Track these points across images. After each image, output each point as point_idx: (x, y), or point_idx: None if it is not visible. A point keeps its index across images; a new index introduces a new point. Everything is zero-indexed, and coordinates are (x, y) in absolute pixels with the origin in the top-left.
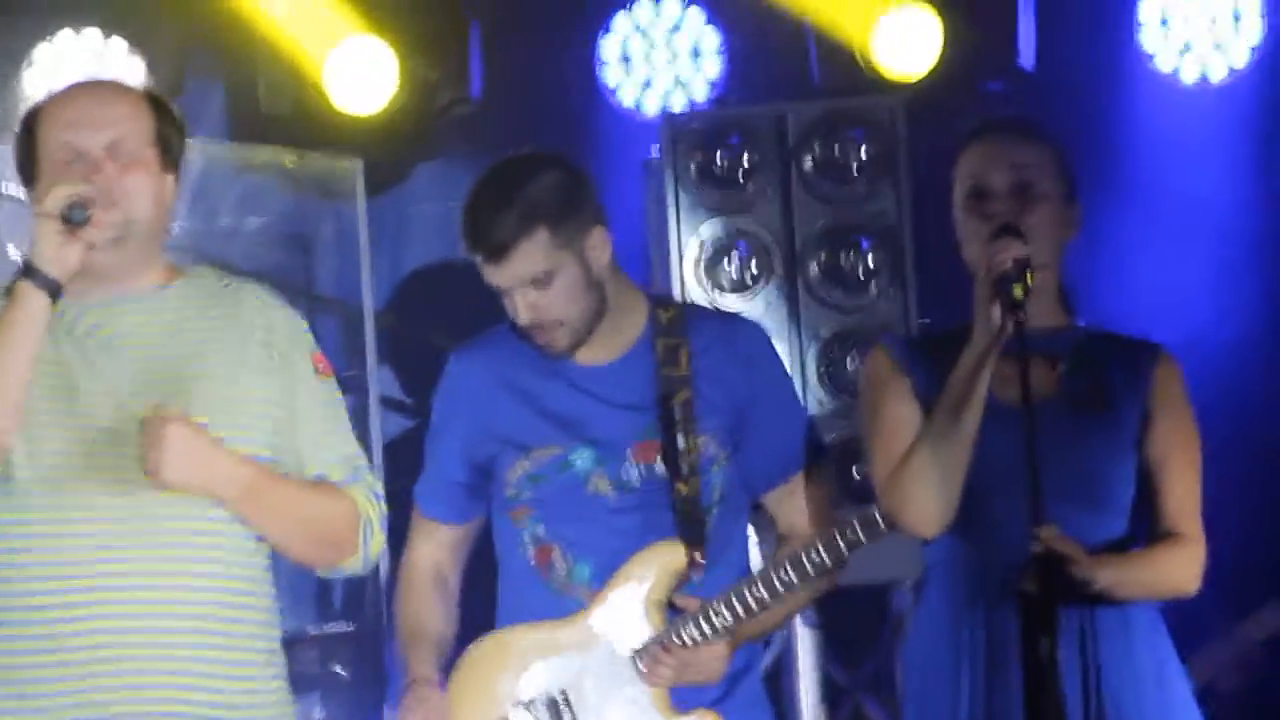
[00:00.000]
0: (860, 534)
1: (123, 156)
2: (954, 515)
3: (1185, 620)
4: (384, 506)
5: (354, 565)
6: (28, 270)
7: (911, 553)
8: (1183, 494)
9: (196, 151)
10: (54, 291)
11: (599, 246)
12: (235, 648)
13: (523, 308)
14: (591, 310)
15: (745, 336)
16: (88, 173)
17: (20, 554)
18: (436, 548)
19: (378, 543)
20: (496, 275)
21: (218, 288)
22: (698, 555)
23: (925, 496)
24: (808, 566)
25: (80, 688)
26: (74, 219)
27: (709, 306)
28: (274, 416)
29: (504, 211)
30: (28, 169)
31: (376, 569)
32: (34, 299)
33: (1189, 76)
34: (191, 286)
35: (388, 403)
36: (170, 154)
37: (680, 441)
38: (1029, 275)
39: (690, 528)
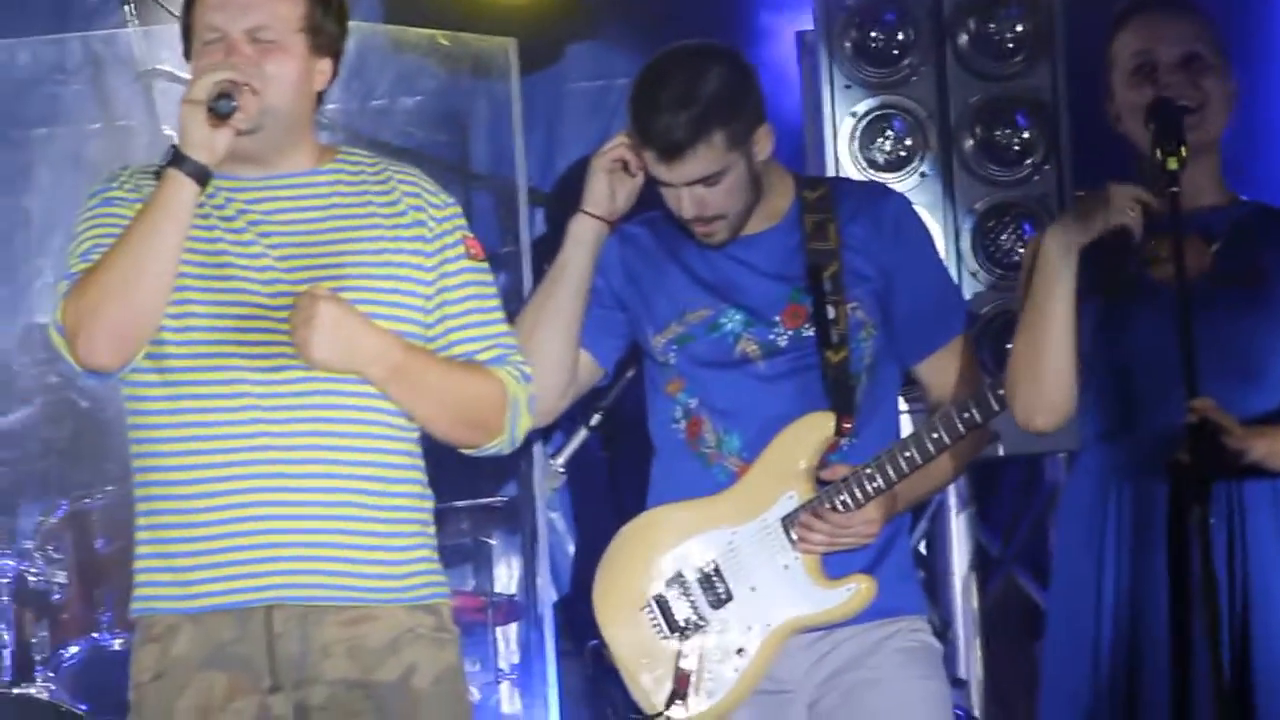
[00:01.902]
0: None
1: (265, 41)
2: (1067, 408)
3: None
4: (532, 387)
5: (499, 445)
6: (176, 157)
7: (1067, 424)
8: None
9: (352, 32)
10: (202, 178)
11: (763, 141)
12: (386, 520)
13: (689, 203)
14: (752, 203)
15: (890, 205)
16: (227, 54)
17: (171, 429)
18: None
19: (524, 424)
20: (667, 173)
21: (370, 170)
22: (846, 423)
23: (1028, 392)
24: (960, 425)
25: (233, 565)
26: (220, 110)
27: (854, 180)
28: (425, 296)
29: (681, 113)
30: (186, 47)
31: (531, 443)
32: (182, 186)
33: None
34: (344, 168)
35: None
36: (322, 40)
37: (829, 310)
38: (1183, 147)
39: (840, 395)
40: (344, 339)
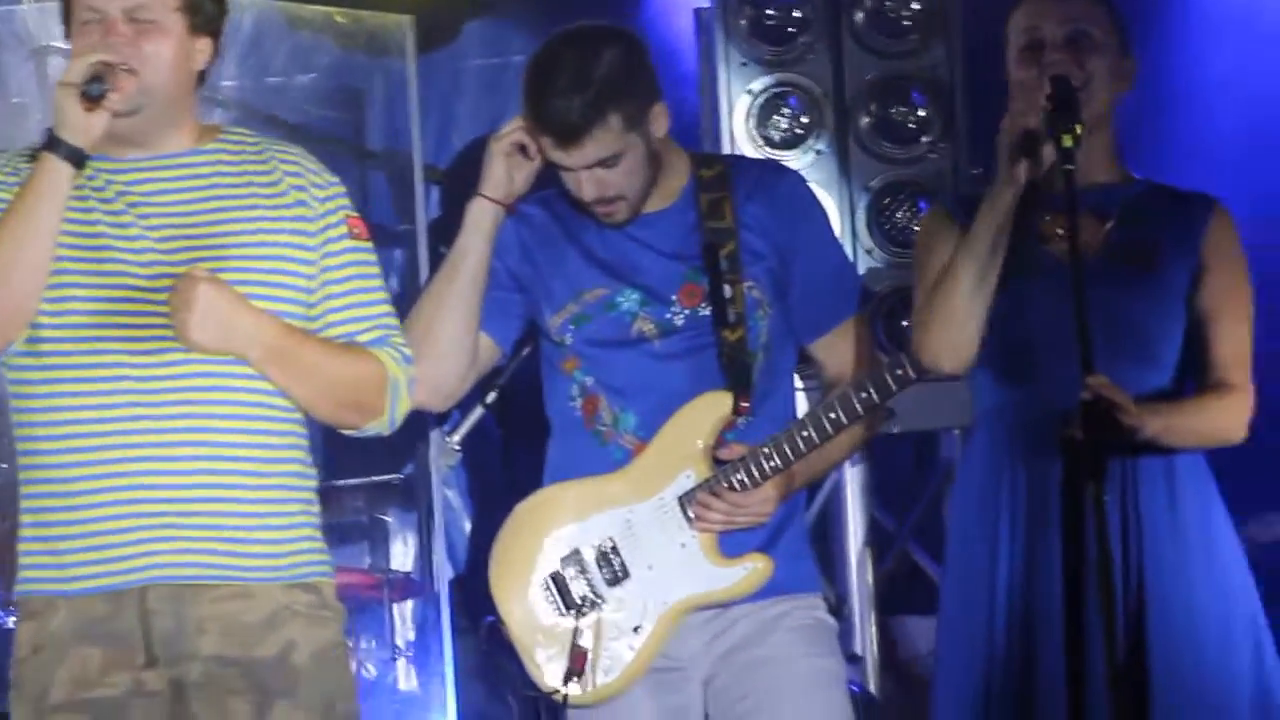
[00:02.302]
0: (909, 370)
1: (143, 21)
2: (974, 355)
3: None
4: (412, 369)
5: (379, 427)
6: (51, 140)
7: (960, 400)
8: (1233, 344)
9: (247, 9)
10: (77, 160)
11: (659, 120)
12: (265, 500)
13: (589, 186)
14: (650, 181)
15: (785, 184)
16: (104, 34)
17: (49, 412)
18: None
19: (404, 405)
20: (566, 158)
21: (252, 149)
22: (744, 401)
23: (945, 332)
24: (857, 405)
25: (108, 548)
26: (92, 94)
27: (750, 158)
28: (306, 276)
29: (575, 97)
30: (67, 27)
31: (427, 421)
32: (56, 169)
33: None
34: (225, 148)
35: (438, 256)
36: (200, 18)
37: (726, 290)
38: (1079, 126)
39: (736, 374)
40: (221, 321)
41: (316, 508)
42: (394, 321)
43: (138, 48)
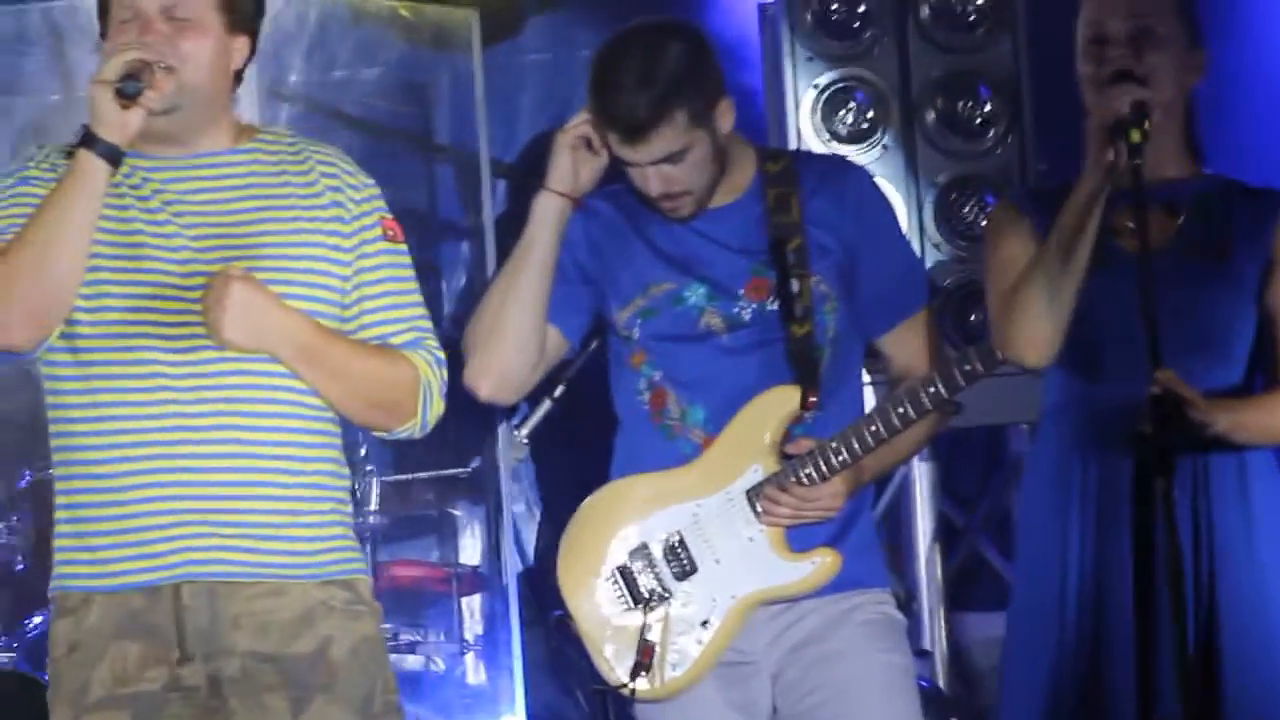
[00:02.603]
0: (978, 365)
1: (180, 19)
2: (1059, 348)
3: None
4: (444, 372)
5: (411, 429)
6: (87, 138)
7: (1029, 395)
8: None
9: (313, 4)
10: (113, 158)
11: (725, 116)
12: (298, 498)
13: (655, 181)
14: (717, 177)
15: (852, 179)
16: (141, 32)
17: (84, 409)
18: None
19: (436, 407)
20: (632, 153)
21: (289, 150)
22: (811, 396)
23: (1030, 325)
24: (925, 400)
25: (144, 544)
26: (127, 91)
27: (816, 153)
28: (341, 278)
29: (642, 93)
30: (103, 25)
31: (495, 415)
32: (93, 166)
33: None
34: (262, 148)
35: (505, 250)
36: (238, 17)
37: (793, 284)
38: (1147, 121)
39: (804, 368)
40: (254, 319)
41: (349, 507)
42: (427, 325)
43: (175, 45)
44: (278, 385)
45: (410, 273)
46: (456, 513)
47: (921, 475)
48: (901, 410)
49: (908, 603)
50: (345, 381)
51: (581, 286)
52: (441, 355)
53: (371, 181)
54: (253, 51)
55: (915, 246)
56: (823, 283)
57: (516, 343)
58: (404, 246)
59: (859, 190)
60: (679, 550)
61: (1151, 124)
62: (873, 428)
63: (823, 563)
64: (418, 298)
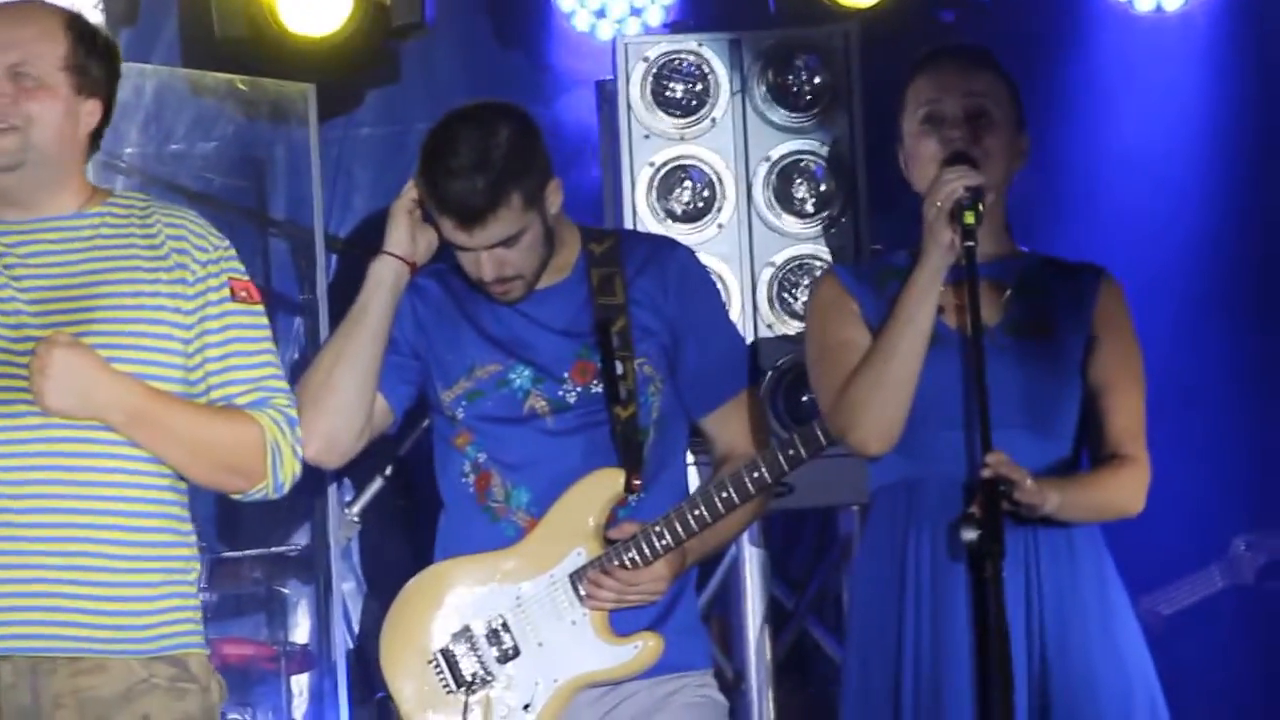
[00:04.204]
0: (802, 450)
1: (25, 80)
2: (900, 434)
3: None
4: (298, 431)
5: (264, 490)
6: None
7: (858, 477)
8: (1127, 416)
9: (149, 76)
10: None
11: (554, 196)
12: (125, 570)
13: (489, 266)
14: (546, 259)
15: (676, 259)
16: None
17: None
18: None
19: (289, 468)
20: (467, 239)
21: (139, 212)
22: (636, 479)
23: (873, 412)
24: (749, 484)
25: None
26: None
27: (641, 232)
28: (183, 340)
29: (478, 178)
30: None
31: (326, 493)
32: None
33: (1144, 5)
34: (112, 211)
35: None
36: (87, 80)
37: (618, 366)
38: (980, 203)
39: (628, 451)
40: (78, 385)
41: (192, 575)
42: (279, 384)
43: (19, 106)
44: (108, 453)
45: (261, 333)
46: (286, 590)
47: (751, 557)
48: (725, 495)
49: (736, 683)
50: (184, 445)
51: (409, 359)
52: (293, 414)
53: (224, 243)
54: (106, 116)
55: (748, 326)
56: (647, 364)
57: (346, 405)
58: (257, 307)
59: (682, 269)
60: (502, 633)
61: (985, 206)
62: (696, 512)
63: (645, 646)
64: (267, 357)
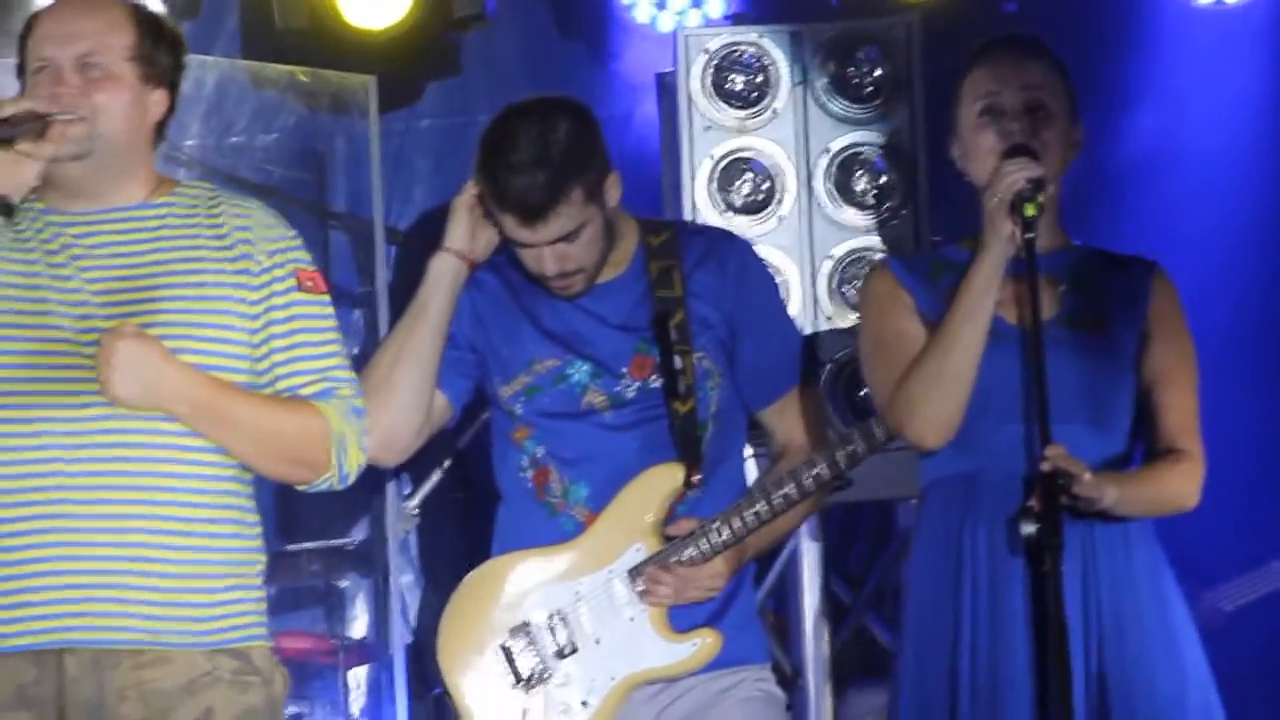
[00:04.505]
0: (861, 446)
1: (93, 70)
2: (957, 428)
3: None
4: (364, 422)
5: (329, 481)
6: None
7: (915, 470)
8: (1181, 411)
9: (209, 69)
10: (3, 209)
11: (613, 189)
12: (188, 561)
13: (551, 261)
14: (606, 253)
15: (734, 252)
16: (53, 84)
17: None
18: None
19: (355, 459)
20: (530, 235)
21: (206, 203)
22: (695, 475)
23: (932, 406)
24: (808, 481)
25: (28, 606)
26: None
27: (698, 224)
28: (249, 331)
29: (538, 174)
30: (21, 81)
31: (384, 486)
32: None
33: None
34: (178, 201)
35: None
36: (154, 70)
37: (676, 361)
38: (1040, 194)
39: (687, 445)
40: (144, 377)
41: (256, 568)
42: (345, 374)
43: (88, 97)
44: (173, 444)
45: (327, 323)
46: (344, 584)
47: (808, 551)
48: (785, 492)
49: (794, 678)
50: (249, 436)
51: (467, 353)
52: (359, 405)
53: (290, 233)
54: (172, 106)
55: (808, 318)
56: (706, 358)
57: (406, 402)
58: (323, 297)
59: (741, 263)
60: (559, 629)
61: (1045, 198)
62: (755, 509)
63: (703, 643)
64: (333, 348)
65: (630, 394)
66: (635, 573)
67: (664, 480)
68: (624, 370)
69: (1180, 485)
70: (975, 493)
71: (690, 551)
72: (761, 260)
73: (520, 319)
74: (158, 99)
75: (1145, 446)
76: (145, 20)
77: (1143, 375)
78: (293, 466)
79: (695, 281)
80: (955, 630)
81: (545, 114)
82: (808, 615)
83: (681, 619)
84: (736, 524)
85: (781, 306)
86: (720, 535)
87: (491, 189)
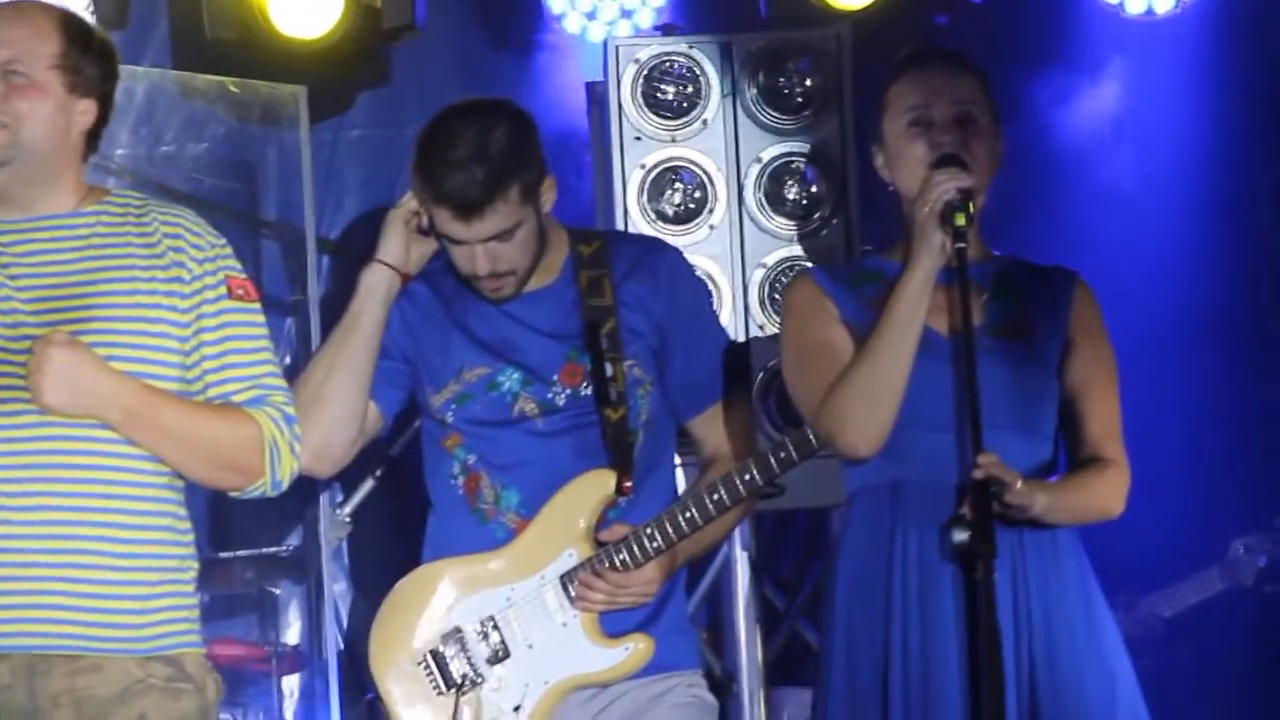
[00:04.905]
0: (794, 452)
1: (16, 78)
2: (887, 436)
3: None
4: (296, 429)
5: (262, 488)
6: None
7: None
8: (1104, 419)
9: (139, 79)
10: None
11: (548, 193)
12: (120, 568)
13: (483, 260)
14: (538, 257)
15: (665, 261)
16: None
17: None
18: None
19: (287, 465)
20: (464, 230)
21: (135, 211)
22: (626, 481)
23: (864, 416)
24: (740, 487)
25: None
26: None
27: (629, 233)
28: (180, 339)
29: (477, 169)
30: None
31: (317, 494)
32: None
33: (1135, 8)
34: (108, 209)
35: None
36: (80, 79)
37: (608, 368)
38: (971, 204)
39: (618, 451)
40: (74, 383)
41: (189, 574)
42: (276, 382)
43: (9, 103)
44: (105, 451)
45: (258, 331)
46: (277, 591)
47: (742, 558)
48: (716, 497)
49: (728, 684)
50: (181, 443)
51: (398, 364)
52: (291, 412)
53: (221, 242)
54: (104, 117)
55: (740, 326)
56: (636, 366)
57: (339, 415)
58: (254, 305)
59: (672, 272)
60: (492, 634)
61: (976, 208)
62: (687, 514)
63: (636, 649)
64: (264, 355)
65: (561, 401)
66: (567, 578)
67: (596, 486)
68: (555, 378)
69: (1107, 493)
70: (904, 500)
71: (623, 556)
72: (692, 268)
73: (450, 328)
74: (84, 108)
75: (1068, 454)
76: (73, 29)
77: (1065, 383)
78: (225, 472)
79: (625, 291)
80: (886, 634)
81: (484, 114)
82: (741, 621)
83: (614, 624)
84: (669, 529)
85: (713, 315)
86: (653, 541)
87: (428, 183)
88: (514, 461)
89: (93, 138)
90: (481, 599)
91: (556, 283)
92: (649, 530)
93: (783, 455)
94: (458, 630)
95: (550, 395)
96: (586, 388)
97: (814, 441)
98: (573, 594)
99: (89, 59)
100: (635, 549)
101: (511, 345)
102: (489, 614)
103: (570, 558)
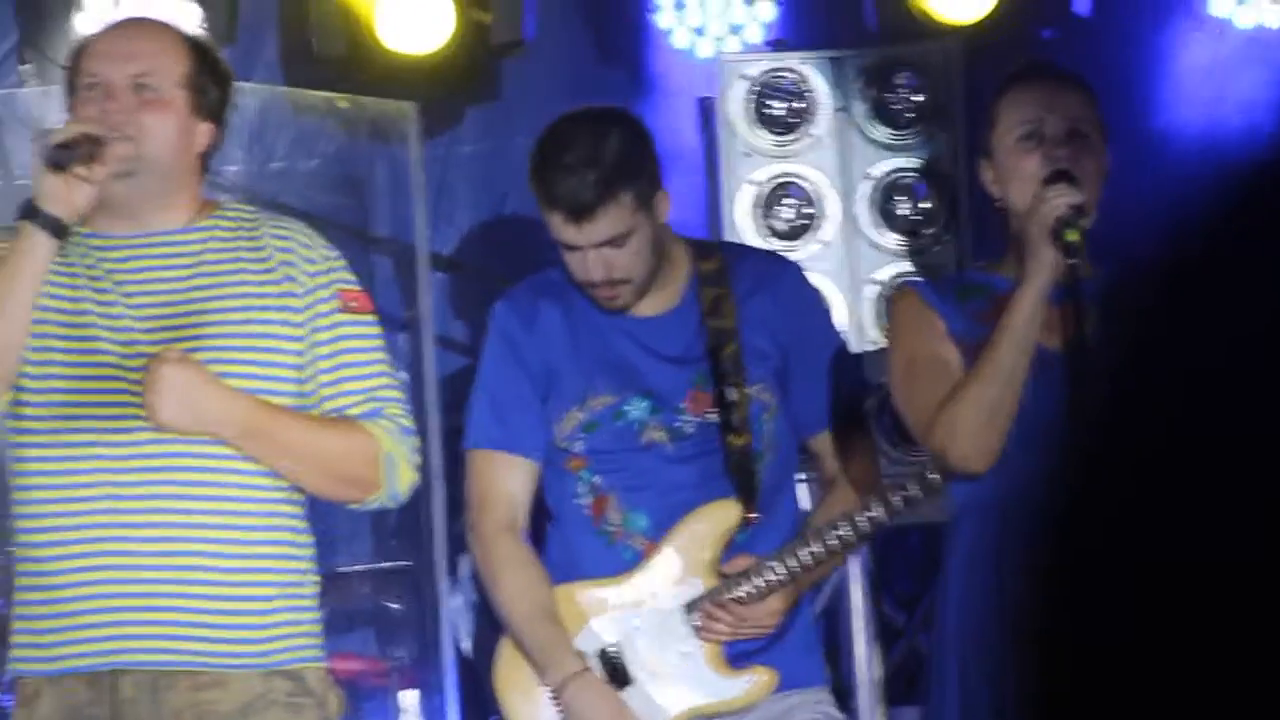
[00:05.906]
0: (917, 491)
1: (146, 92)
2: (999, 452)
3: None
4: (415, 440)
5: (380, 500)
6: (30, 209)
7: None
8: None
9: (249, 95)
10: (56, 230)
11: (663, 204)
12: (240, 583)
13: (597, 266)
14: (654, 267)
15: (788, 279)
16: (104, 101)
17: (32, 490)
18: (518, 487)
19: (405, 478)
20: (576, 235)
21: (247, 225)
22: (751, 512)
23: (978, 433)
24: (865, 524)
25: (80, 629)
26: (56, 161)
27: (744, 246)
28: (294, 353)
29: (589, 173)
30: (68, 99)
31: (428, 505)
32: (35, 239)
33: (1245, 22)
34: (220, 224)
35: (443, 342)
36: (204, 100)
37: (731, 394)
38: (1082, 220)
39: (743, 478)
40: (190, 401)
41: (309, 588)
42: (391, 394)
43: (137, 117)
44: (222, 467)
45: (373, 343)
46: (394, 606)
47: (858, 575)
48: (840, 534)
49: (846, 701)
50: (297, 458)
51: (539, 404)
52: (408, 424)
53: (333, 253)
54: (216, 140)
55: (853, 342)
56: (763, 391)
57: None
58: (368, 317)
59: (796, 291)
60: (615, 661)
61: (1087, 224)
62: (810, 549)
63: (758, 680)
64: (380, 368)
65: (690, 429)
66: (691, 608)
67: (722, 517)
68: (681, 405)
69: None
70: (1009, 517)
71: (746, 588)
72: (814, 286)
73: (575, 351)
74: (204, 130)
75: None
76: (200, 50)
77: None
78: (343, 486)
79: (748, 309)
80: (998, 651)
81: (598, 120)
82: (859, 638)
83: (740, 643)
84: (791, 563)
85: (835, 334)
86: (775, 574)
87: (542, 188)
88: (642, 484)
89: (206, 160)
90: (605, 625)
91: (679, 306)
92: (771, 563)
93: (905, 494)
94: (582, 655)
95: (678, 423)
96: (712, 414)
97: (934, 483)
98: (696, 624)
99: (213, 82)
100: (758, 581)
101: (638, 372)
102: (613, 640)
103: (695, 587)
